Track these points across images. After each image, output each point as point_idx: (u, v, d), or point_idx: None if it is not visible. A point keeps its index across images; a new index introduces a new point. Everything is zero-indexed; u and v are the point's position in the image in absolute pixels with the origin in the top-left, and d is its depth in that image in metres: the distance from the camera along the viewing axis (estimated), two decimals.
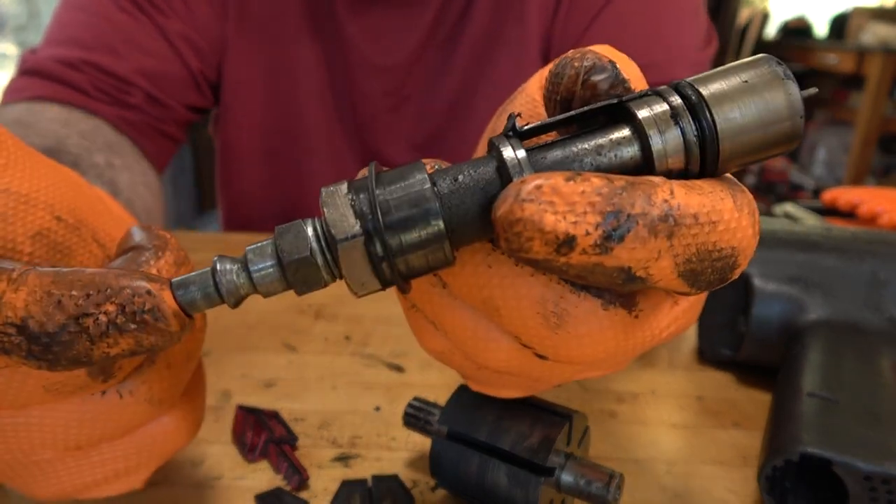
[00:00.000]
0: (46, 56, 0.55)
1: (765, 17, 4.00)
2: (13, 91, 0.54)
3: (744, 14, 3.78)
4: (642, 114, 0.18)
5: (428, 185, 0.18)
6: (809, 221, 0.74)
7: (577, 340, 0.19)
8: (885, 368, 0.35)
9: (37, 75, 0.54)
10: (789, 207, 0.82)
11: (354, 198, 0.18)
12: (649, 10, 0.59)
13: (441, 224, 0.17)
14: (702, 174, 0.18)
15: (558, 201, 0.16)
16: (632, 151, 0.18)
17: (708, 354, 0.45)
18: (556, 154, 0.18)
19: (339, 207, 0.18)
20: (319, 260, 0.18)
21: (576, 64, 0.19)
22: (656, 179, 0.17)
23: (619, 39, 0.57)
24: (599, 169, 0.18)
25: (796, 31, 4.06)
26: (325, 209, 0.18)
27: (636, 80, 0.20)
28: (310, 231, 0.18)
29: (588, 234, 0.16)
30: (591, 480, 0.26)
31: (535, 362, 0.21)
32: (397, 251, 0.18)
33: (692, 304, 0.22)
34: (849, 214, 0.75)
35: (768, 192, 3.53)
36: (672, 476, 0.34)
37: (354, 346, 0.45)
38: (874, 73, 3.05)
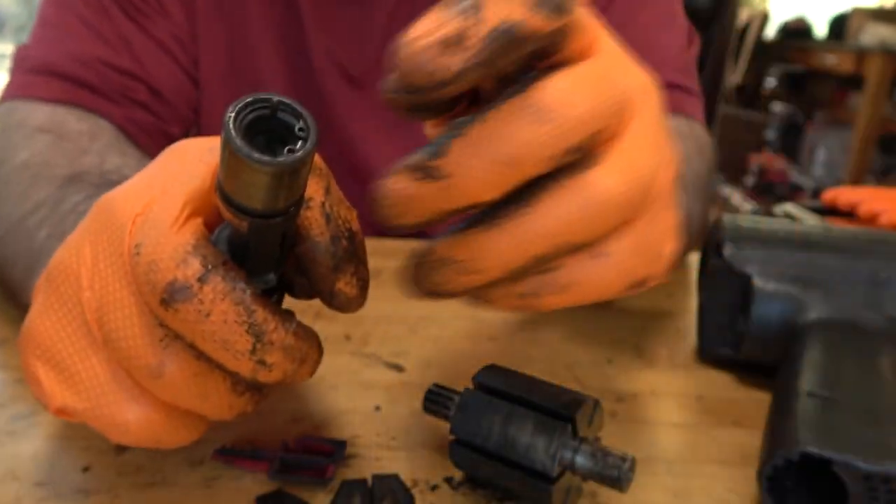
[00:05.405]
0: (54, 54, 0.54)
1: (764, 18, 4.00)
2: (23, 87, 0.53)
3: (743, 15, 3.78)
4: None
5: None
6: (809, 221, 0.74)
7: None
8: (884, 368, 0.35)
9: (47, 74, 0.53)
10: (789, 207, 0.82)
11: None
12: (640, 17, 0.60)
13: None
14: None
15: (430, 24, 0.20)
16: None
17: (708, 354, 0.45)
18: None
19: None
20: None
21: None
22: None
23: None
24: None
25: (796, 31, 4.07)
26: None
27: None
28: None
29: (462, 20, 0.20)
30: (605, 463, 0.28)
31: None
32: None
33: None
34: (849, 214, 0.76)
35: (768, 192, 3.53)
36: (672, 476, 0.34)
37: (354, 346, 0.45)
38: (874, 74, 3.05)
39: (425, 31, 0.20)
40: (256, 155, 0.19)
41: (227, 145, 0.19)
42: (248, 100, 0.20)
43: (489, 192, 0.21)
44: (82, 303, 0.25)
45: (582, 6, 0.22)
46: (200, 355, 0.24)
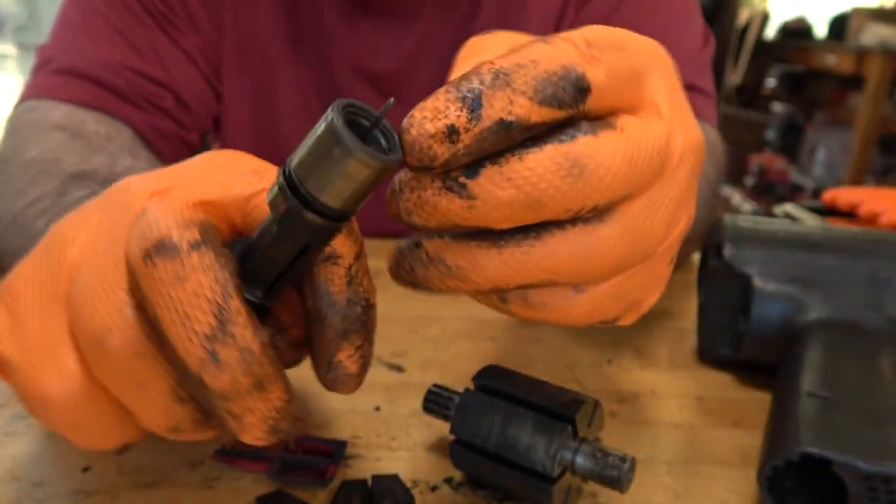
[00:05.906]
0: (78, 56, 0.54)
1: (764, 18, 4.00)
2: (45, 88, 0.53)
3: (743, 15, 3.78)
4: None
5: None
6: (809, 221, 0.74)
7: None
8: (884, 368, 0.35)
9: (70, 75, 0.53)
10: (789, 207, 0.82)
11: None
12: (654, 17, 0.59)
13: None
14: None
15: (427, 114, 0.20)
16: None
17: (708, 354, 0.45)
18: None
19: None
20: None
21: None
22: (476, 64, 0.21)
23: None
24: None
25: (796, 31, 4.06)
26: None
27: None
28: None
29: (458, 115, 0.20)
30: (605, 463, 0.28)
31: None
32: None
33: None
34: (849, 214, 0.76)
35: (768, 192, 3.53)
36: (672, 476, 0.34)
37: None
38: (874, 74, 3.05)
39: (424, 117, 0.20)
40: (366, 148, 0.20)
41: (331, 132, 0.20)
42: (356, 105, 0.21)
43: (505, 222, 0.21)
44: (66, 258, 0.24)
45: (624, 63, 0.22)
46: (151, 334, 0.22)
